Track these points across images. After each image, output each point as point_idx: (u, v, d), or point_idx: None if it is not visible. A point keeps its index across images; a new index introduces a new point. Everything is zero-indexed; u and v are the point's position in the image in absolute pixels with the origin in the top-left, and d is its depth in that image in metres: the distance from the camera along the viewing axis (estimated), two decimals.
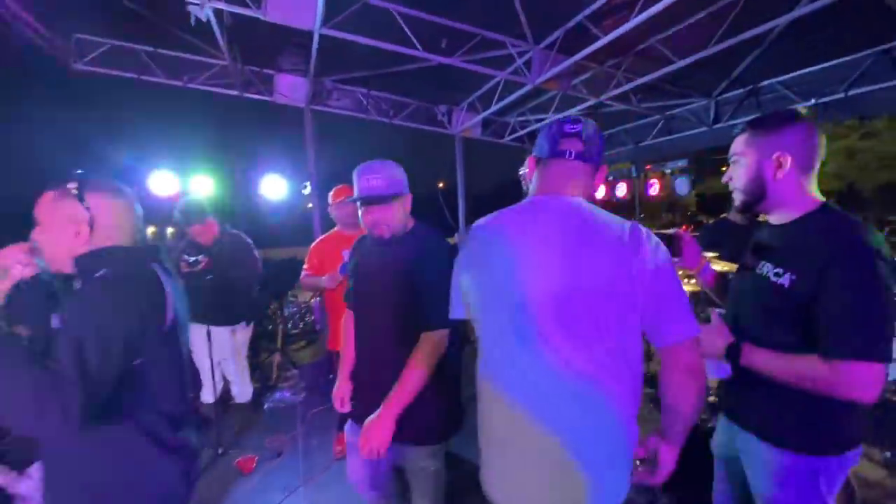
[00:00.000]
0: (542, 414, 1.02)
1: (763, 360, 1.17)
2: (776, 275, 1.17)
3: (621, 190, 5.57)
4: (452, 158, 6.69)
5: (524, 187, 2.23)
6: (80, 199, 1.12)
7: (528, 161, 1.27)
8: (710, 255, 2.06)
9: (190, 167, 4.19)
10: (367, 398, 1.61)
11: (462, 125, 6.18)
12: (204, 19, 2.96)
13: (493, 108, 5.19)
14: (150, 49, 4.51)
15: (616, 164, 6.91)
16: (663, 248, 1.02)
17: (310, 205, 5.64)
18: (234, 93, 4.91)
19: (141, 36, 4.35)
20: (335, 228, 3.05)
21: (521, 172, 5.34)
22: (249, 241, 3.40)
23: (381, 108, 5.80)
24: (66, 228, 1.11)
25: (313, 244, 3.06)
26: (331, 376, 4.46)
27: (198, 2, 2.86)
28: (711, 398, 2.48)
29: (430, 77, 4.88)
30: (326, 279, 2.85)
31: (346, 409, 1.80)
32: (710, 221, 4.90)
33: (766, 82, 4.54)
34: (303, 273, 3.08)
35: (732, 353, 1.22)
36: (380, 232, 1.59)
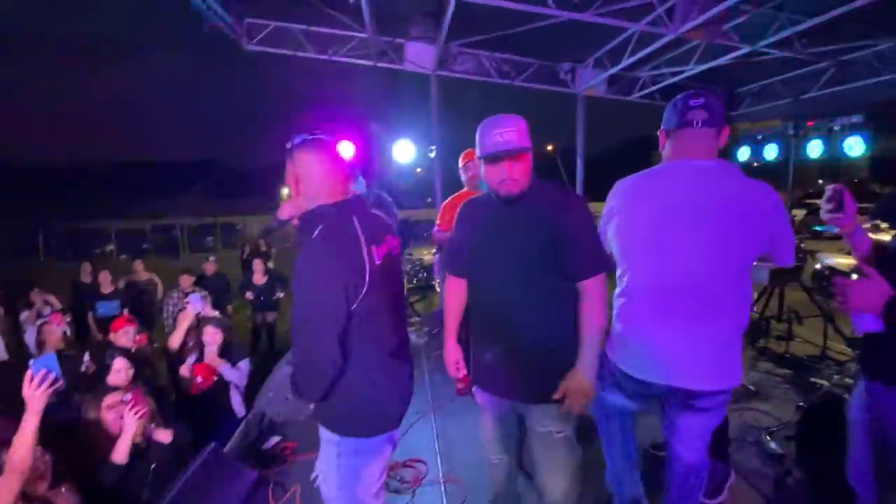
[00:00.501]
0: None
1: None
2: None
3: (770, 152, 4.87)
4: (573, 119, 6.48)
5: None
6: (304, 153, 1.33)
7: (660, 134, 1.60)
8: (884, 225, 1.85)
9: (336, 132, 4.75)
10: (497, 362, 1.63)
11: (586, 83, 5.92)
12: None
13: (624, 62, 4.89)
14: (304, 27, 5.12)
15: (765, 120, 6.05)
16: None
17: (419, 169, 5.99)
18: (370, 63, 5.36)
19: (297, 15, 4.94)
20: (464, 188, 3.30)
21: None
22: (390, 199, 3.83)
23: (502, 71, 5.82)
24: (304, 181, 1.35)
25: (445, 202, 3.36)
26: (437, 329, 4.91)
27: None
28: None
29: (557, 34, 4.74)
30: None
31: (462, 373, 1.81)
32: (888, 191, 4.12)
33: None
34: (435, 228, 3.42)
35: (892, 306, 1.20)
36: (508, 188, 1.49)
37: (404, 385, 1.54)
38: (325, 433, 1.47)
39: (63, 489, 1.82)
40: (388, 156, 4.88)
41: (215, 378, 3.13)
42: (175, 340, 3.39)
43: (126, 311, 5.21)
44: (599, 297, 1.50)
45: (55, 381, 1.68)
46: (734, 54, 4.45)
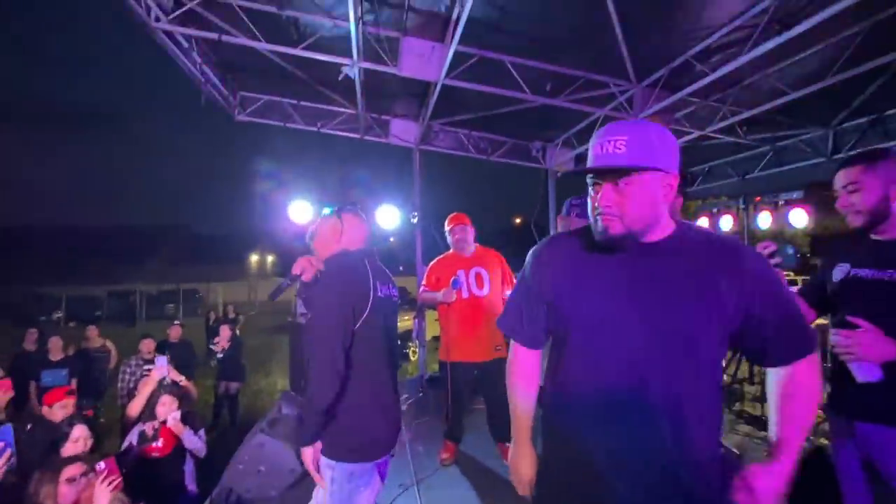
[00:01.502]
0: None
1: None
2: None
3: (726, 223, 5.35)
4: (545, 192, 6.93)
5: None
6: (339, 217, 1.79)
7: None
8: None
9: (322, 198, 4.89)
10: (601, 486, 1.04)
11: (556, 160, 6.43)
12: (353, 77, 3.61)
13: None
14: (294, 102, 5.44)
15: (717, 197, 6.66)
16: None
17: (391, 238, 6.17)
18: (357, 136, 5.68)
19: (287, 91, 5.27)
20: (451, 251, 3.41)
21: None
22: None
23: (479, 147, 6.28)
24: (326, 238, 1.77)
25: (431, 263, 3.44)
26: (420, 394, 4.78)
27: (349, 63, 3.51)
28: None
29: (529, 117, 5.24)
30: (443, 294, 3.17)
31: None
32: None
33: (891, 111, 4.24)
34: (420, 289, 3.46)
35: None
36: (606, 223, 1.00)
37: (394, 417, 1.76)
38: (322, 460, 1.63)
39: None
40: (374, 221, 5.02)
41: (174, 447, 2.89)
42: (135, 407, 3.17)
43: (74, 382, 4.82)
44: (815, 383, 1.05)
45: (10, 455, 1.58)
46: (687, 138, 5.03)
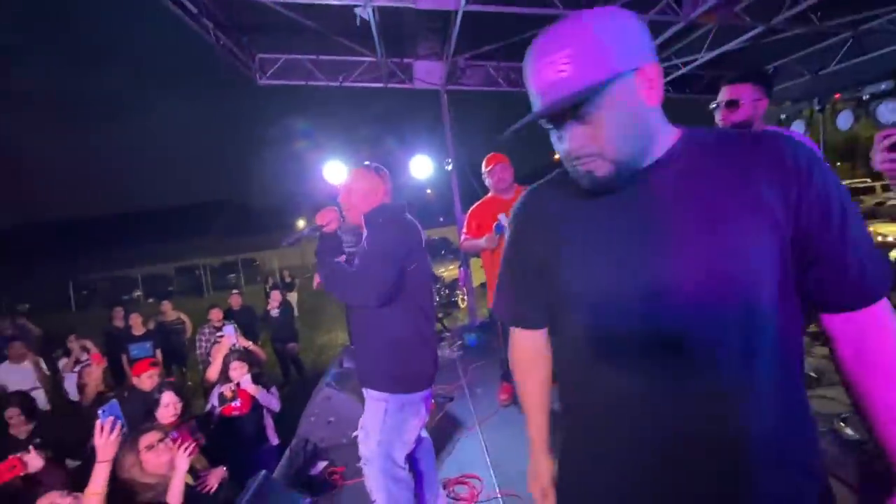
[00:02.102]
0: None
1: None
2: None
3: (798, 130, 4.73)
4: None
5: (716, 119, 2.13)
6: (377, 172, 1.87)
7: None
8: None
9: (354, 157, 4.81)
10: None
11: None
12: (367, 18, 3.36)
13: None
14: (313, 57, 5.24)
15: (782, 103, 5.91)
16: None
17: (429, 190, 6.01)
18: (381, 84, 5.44)
19: (306, 47, 5.07)
20: (489, 194, 3.26)
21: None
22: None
23: (510, 79, 5.85)
24: (367, 192, 1.82)
25: (470, 209, 3.31)
26: (473, 342, 4.81)
27: (361, 3, 3.26)
28: None
29: None
30: (485, 240, 3.06)
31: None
32: None
33: None
34: (462, 237, 3.36)
35: None
36: (588, 168, 0.75)
37: (435, 352, 1.92)
38: (372, 394, 1.80)
39: None
40: (407, 172, 4.90)
41: (251, 405, 3.11)
42: (213, 373, 3.41)
43: (158, 352, 5.29)
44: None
45: (122, 427, 1.74)
46: (748, 35, 4.37)
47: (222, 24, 4.13)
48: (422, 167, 4.88)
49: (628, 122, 0.72)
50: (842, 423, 2.52)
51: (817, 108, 4.13)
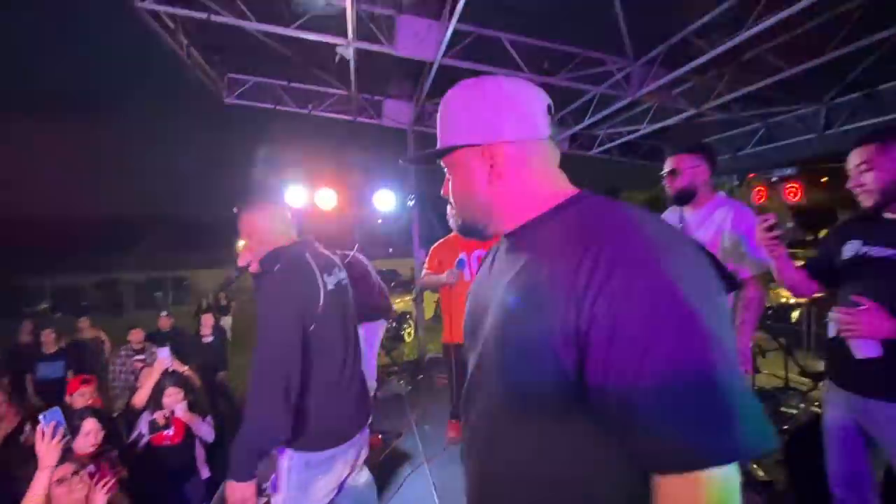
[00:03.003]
0: None
1: None
2: None
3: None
4: None
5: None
6: (252, 212, 1.62)
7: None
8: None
9: (316, 182, 4.83)
10: None
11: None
12: (348, 58, 3.52)
13: (586, 121, 5.37)
14: (285, 83, 5.29)
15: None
16: None
17: (379, 220, 6.16)
18: (350, 118, 5.57)
19: (278, 72, 5.12)
20: (452, 234, 3.41)
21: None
22: (364, 260, 3.87)
23: None
24: (253, 237, 1.61)
25: (433, 247, 3.43)
26: (420, 376, 4.84)
27: (343, 43, 3.41)
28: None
29: None
30: (447, 275, 3.18)
31: None
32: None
33: (885, 86, 4.29)
34: (423, 272, 3.46)
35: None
36: (450, 216, 0.89)
37: (354, 403, 1.68)
38: (275, 451, 1.58)
39: None
40: (370, 204, 4.98)
41: (184, 435, 2.92)
42: (141, 398, 3.16)
43: (70, 374, 4.77)
44: None
45: (64, 434, 1.68)
46: (680, 116, 5.03)
47: (197, 41, 4.11)
48: (385, 201, 4.98)
49: (464, 188, 0.79)
50: (755, 466, 2.81)
51: (735, 183, 4.80)
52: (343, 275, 1.74)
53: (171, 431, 2.85)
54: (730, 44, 3.30)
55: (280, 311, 1.45)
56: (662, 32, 3.79)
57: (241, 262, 1.66)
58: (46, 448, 1.66)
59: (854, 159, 1.53)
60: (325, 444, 1.58)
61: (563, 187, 0.77)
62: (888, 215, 1.52)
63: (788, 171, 4.66)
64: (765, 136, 5.54)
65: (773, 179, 4.81)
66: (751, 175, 4.99)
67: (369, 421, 1.77)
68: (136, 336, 4.80)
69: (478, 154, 0.74)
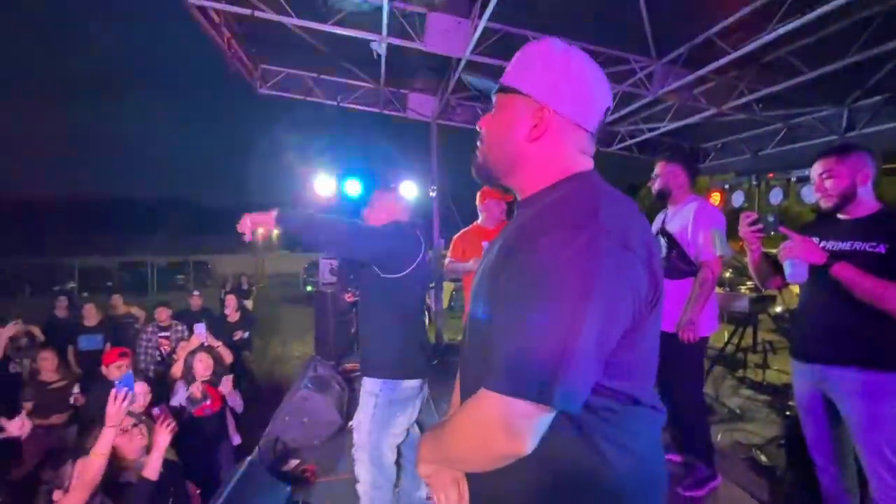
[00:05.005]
0: None
1: (855, 272, 1.55)
2: (871, 247, 1.60)
3: (738, 199, 5.47)
4: None
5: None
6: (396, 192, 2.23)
7: None
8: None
9: (343, 171, 5.04)
10: None
11: None
12: (381, 53, 3.70)
13: (607, 118, 5.44)
14: (315, 75, 5.50)
15: (728, 173, 6.74)
16: None
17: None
18: (376, 110, 5.76)
19: (308, 65, 5.32)
20: (476, 222, 3.58)
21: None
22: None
23: None
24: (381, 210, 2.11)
25: (457, 235, 3.60)
26: (435, 361, 5.03)
27: (377, 39, 3.59)
28: None
29: None
30: (473, 262, 3.34)
31: None
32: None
33: None
34: (447, 260, 3.63)
35: (831, 261, 1.60)
36: (474, 150, 0.88)
37: (424, 344, 2.12)
38: (366, 386, 2.00)
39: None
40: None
41: (221, 404, 3.14)
42: (178, 370, 3.40)
43: (108, 346, 5.07)
44: (472, 424, 0.73)
45: (133, 399, 1.86)
46: (701, 115, 5.09)
47: (236, 33, 4.33)
48: (408, 191, 5.17)
49: (504, 134, 0.82)
50: (758, 451, 2.96)
51: (754, 182, 4.86)
52: (427, 254, 2.19)
53: (209, 401, 3.07)
54: (752, 46, 3.38)
55: (392, 252, 1.94)
56: (686, 33, 3.86)
57: (241, 228, 1.80)
58: (117, 410, 1.81)
59: (817, 169, 1.76)
60: (409, 373, 1.97)
61: (579, 168, 0.81)
62: (841, 216, 1.76)
63: (807, 172, 4.68)
64: (786, 136, 5.56)
65: (793, 179, 4.85)
66: (770, 175, 5.03)
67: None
68: (163, 314, 5.01)
69: (531, 107, 0.78)
